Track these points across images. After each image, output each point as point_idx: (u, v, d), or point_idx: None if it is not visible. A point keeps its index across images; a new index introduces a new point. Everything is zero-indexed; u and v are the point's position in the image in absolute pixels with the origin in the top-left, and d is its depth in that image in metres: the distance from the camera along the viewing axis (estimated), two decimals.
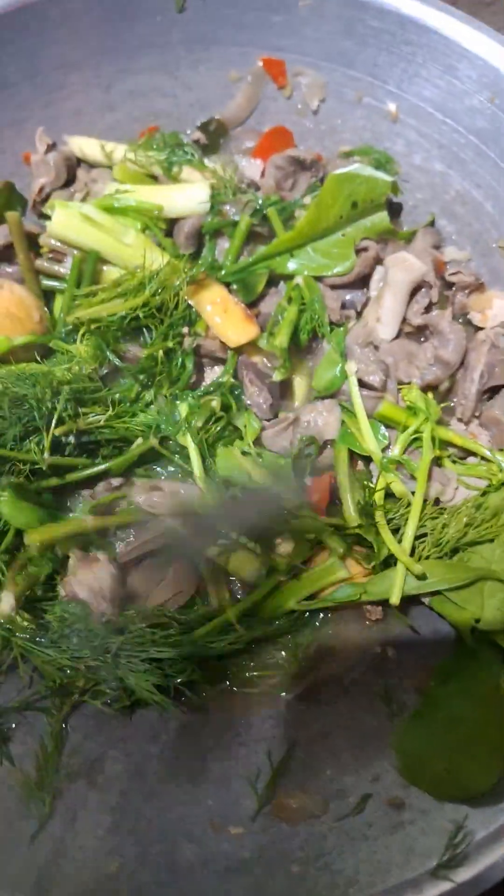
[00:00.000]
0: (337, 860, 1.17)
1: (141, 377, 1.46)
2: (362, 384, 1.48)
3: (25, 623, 1.30)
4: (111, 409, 1.42)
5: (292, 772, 1.32)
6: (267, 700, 1.41)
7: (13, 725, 1.35)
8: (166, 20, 1.61)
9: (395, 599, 1.32)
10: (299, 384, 1.58)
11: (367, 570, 1.39)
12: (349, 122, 1.71)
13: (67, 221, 1.51)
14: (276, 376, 1.48)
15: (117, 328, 1.43)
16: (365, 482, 1.42)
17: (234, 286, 1.57)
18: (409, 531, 1.36)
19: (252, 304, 1.57)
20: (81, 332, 1.45)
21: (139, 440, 1.44)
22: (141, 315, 1.41)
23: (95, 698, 1.33)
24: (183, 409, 1.43)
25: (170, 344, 1.45)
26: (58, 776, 1.29)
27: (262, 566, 1.39)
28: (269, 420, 1.50)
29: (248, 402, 1.47)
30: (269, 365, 1.49)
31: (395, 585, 1.33)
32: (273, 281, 1.60)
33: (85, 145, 1.66)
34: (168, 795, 1.30)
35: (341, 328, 1.55)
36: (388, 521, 1.37)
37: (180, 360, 1.48)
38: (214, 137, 1.73)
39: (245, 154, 1.72)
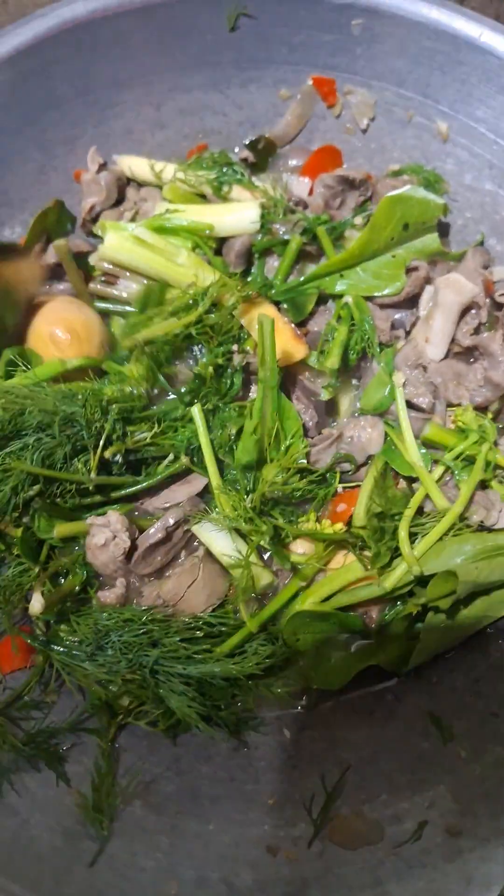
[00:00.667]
0: (395, 888, 1.18)
1: (187, 396, 1.47)
2: (410, 405, 1.48)
3: (62, 635, 1.32)
4: (157, 426, 1.43)
5: (347, 795, 1.33)
6: (317, 721, 1.43)
7: (68, 746, 1.36)
8: (218, 39, 1.61)
9: (388, 584, 1.35)
10: (344, 402, 1.58)
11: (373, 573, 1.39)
12: (399, 142, 1.70)
13: (119, 244, 1.52)
14: (325, 395, 1.49)
15: (170, 347, 1.44)
16: (391, 491, 1.42)
17: (284, 305, 1.57)
18: (431, 537, 1.36)
19: (301, 323, 1.57)
20: (135, 353, 1.45)
21: (170, 457, 1.45)
22: (194, 332, 1.41)
23: (139, 719, 1.35)
24: (196, 412, 1.42)
25: (220, 361, 1.45)
26: (114, 797, 1.31)
27: (275, 577, 1.41)
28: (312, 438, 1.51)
29: None
30: (316, 383, 1.49)
31: (393, 574, 1.35)
32: (322, 299, 1.60)
33: (134, 165, 1.67)
34: (222, 817, 1.31)
35: (390, 348, 1.54)
36: (412, 537, 1.38)
37: (230, 377, 1.48)
38: (263, 156, 1.73)
39: (293, 172, 1.72)
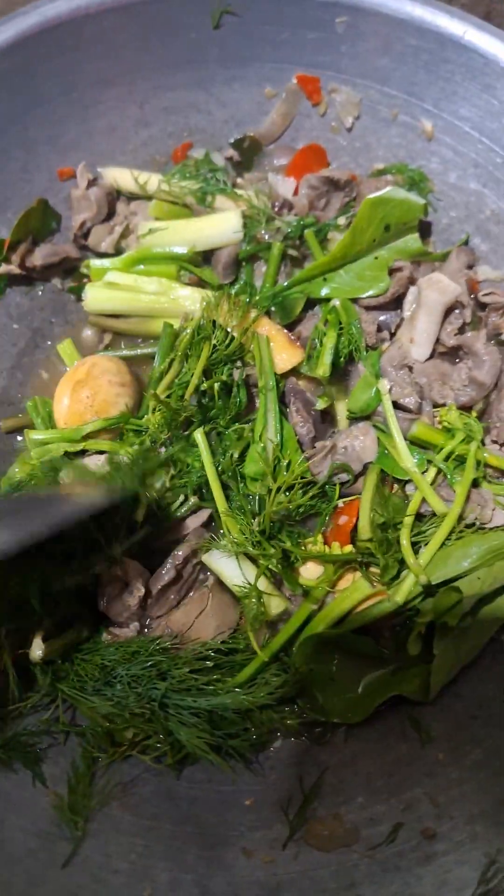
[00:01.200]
0: (369, 891, 1.17)
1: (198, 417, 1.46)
2: (397, 406, 1.47)
3: (68, 667, 1.31)
4: (173, 468, 1.43)
5: (324, 797, 1.32)
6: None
7: (45, 746, 1.35)
8: (202, 37, 1.61)
9: (399, 598, 1.34)
10: (341, 408, 1.57)
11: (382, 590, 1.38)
12: (383, 140, 1.69)
13: (97, 296, 1.61)
14: (320, 404, 1.48)
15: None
16: (392, 500, 1.41)
17: (273, 309, 1.56)
18: (433, 544, 1.36)
19: (290, 327, 1.56)
20: (152, 405, 1.45)
21: (181, 499, 1.44)
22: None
23: (144, 753, 1.34)
24: (199, 437, 1.41)
25: (224, 378, 1.45)
26: (90, 798, 1.30)
27: (289, 602, 1.39)
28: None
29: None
30: (315, 393, 1.49)
31: (403, 588, 1.34)
32: (310, 304, 1.59)
33: (119, 176, 1.67)
34: (199, 820, 1.31)
35: (376, 350, 1.54)
36: (414, 545, 1.37)
37: (236, 395, 1.47)
38: (248, 154, 1.72)
39: (279, 171, 1.71)
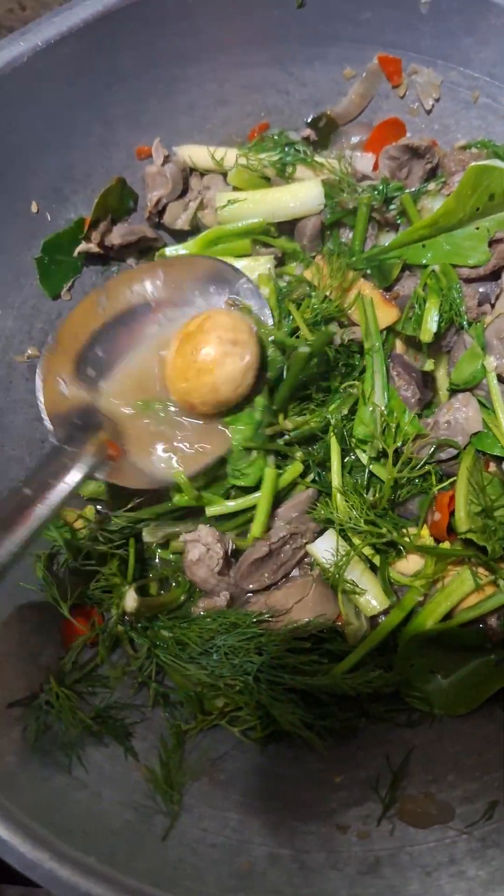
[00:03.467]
0: (471, 867, 1.18)
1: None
2: (501, 380, 1.46)
3: (166, 635, 1.31)
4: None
5: (413, 776, 1.33)
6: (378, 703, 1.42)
7: (134, 722, 1.36)
8: (284, 15, 1.59)
9: None
10: (442, 377, 1.56)
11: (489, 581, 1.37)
12: (463, 122, 1.68)
13: None
14: (427, 366, 1.47)
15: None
16: (492, 482, 1.40)
17: (369, 272, 1.55)
18: None
19: (387, 289, 1.55)
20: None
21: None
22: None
23: (233, 724, 1.34)
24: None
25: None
26: (181, 774, 1.31)
27: (395, 596, 1.39)
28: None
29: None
30: (414, 357, 1.48)
31: None
32: (406, 266, 1.57)
33: (194, 153, 1.66)
34: (290, 796, 1.31)
35: (480, 322, 1.52)
36: None
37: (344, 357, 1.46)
38: (325, 133, 1.71)
39: (355, 149, 1.70)
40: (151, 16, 1.54)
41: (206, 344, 1.32)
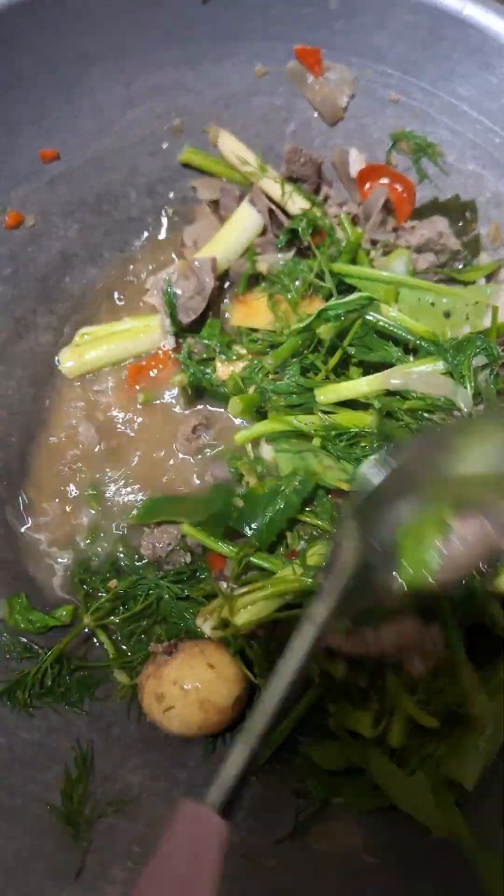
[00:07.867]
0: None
1: None
2: None
3: None
4: None
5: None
6: None
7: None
8: (190, 12, 1.54)
9: None
10: None
11: None
12: (379, 120, 1.64)
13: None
14: None
15: None
16: None
17: None
18: None
19: None
20: None
21: None
22: None
23: None
24: None
25: None
26: (87, 805, 1.26)
27: None
28: None
29: None
30: None
31: None
32: None
33: None
34: None
35: None
36: None
37: None
38: None
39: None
40: (50, 14, 1.48)
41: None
